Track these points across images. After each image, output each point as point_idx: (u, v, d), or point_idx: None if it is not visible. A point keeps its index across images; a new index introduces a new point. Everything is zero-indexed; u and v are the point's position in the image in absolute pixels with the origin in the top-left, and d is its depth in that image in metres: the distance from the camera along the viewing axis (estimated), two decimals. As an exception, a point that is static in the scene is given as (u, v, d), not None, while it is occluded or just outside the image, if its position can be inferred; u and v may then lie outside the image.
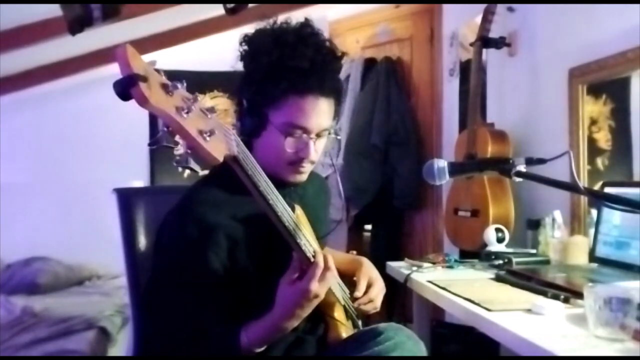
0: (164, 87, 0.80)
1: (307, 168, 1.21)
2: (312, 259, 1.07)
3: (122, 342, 2.64)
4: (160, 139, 0.82)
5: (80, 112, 3.76)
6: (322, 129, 1.19)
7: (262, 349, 1.10)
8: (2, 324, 2.70)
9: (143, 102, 0.75)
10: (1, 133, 3.63)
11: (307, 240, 1.10)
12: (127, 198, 1.52)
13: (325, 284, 1.07)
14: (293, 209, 1.15)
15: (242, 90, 1.19)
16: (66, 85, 3.57)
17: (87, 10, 2.20)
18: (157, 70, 0.80)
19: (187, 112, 0.82)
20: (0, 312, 2.87)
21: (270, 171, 1.16)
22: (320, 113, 1.17)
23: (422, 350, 1.15)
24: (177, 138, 0.84)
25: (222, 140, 0.91)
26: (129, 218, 1.48)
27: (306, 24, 1.19)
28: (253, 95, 1.16)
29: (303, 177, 1.23)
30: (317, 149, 1.20)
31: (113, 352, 2.65)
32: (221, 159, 0.89)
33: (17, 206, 3.64)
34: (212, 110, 0.89)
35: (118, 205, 1.50)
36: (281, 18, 1.22)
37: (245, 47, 1.20)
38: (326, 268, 1.06)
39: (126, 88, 0.74)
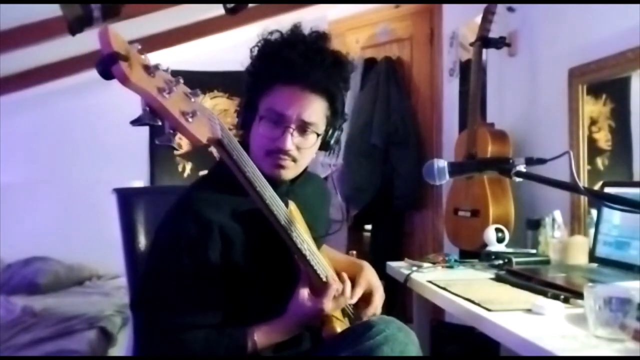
0: (146, 68, 0.83)
1: (286, 163, 1.19)
2: (309, 259, 1.11)
3: (122, 342, 2.64)
4: (142, 117, 0.85)
5: (80, 112, 3.76)
6: (302, 120, 1.17)
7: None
8: (2, 324, 2.70)
9: (123, 80, 0.77)
10: (1, 133, 3.63)
11: (300, 234, 1.11)
12: (126, 198, 1.52)
13: (337, 304, 1.16)
14: (286, 204, 1.16)
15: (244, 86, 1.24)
16: (66, 85, 3.56)
17: (87, 10, 2.20)
18: (141, 52, 0.83)
19: (169, 93, 0.84)
20: (0, 312, 2.87)
21: (256, 164, 1.17)
22: (302, 105, 1.17)
23: (414, 340, 1.16)
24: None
25: (205, 124, 0.94)
26: (128, 218, 1.49)
27: (316, 31, 1.23)
28: (249, 86, 1.22)
29: (284, 173, 1.20)
30: (300, 145, 1.19)
31: (113, 352, 2.65)
32: (204, 140, 0.93)
33: (17, 206, 3.64)
34: (195, 94, 0.91)
35: (118, 205, 1.51)
36: (285, 19, 1.25)
37: (257, 47, 1.24)
38: (340, 291, 1.15)
39: (107, 66, 0.76)
